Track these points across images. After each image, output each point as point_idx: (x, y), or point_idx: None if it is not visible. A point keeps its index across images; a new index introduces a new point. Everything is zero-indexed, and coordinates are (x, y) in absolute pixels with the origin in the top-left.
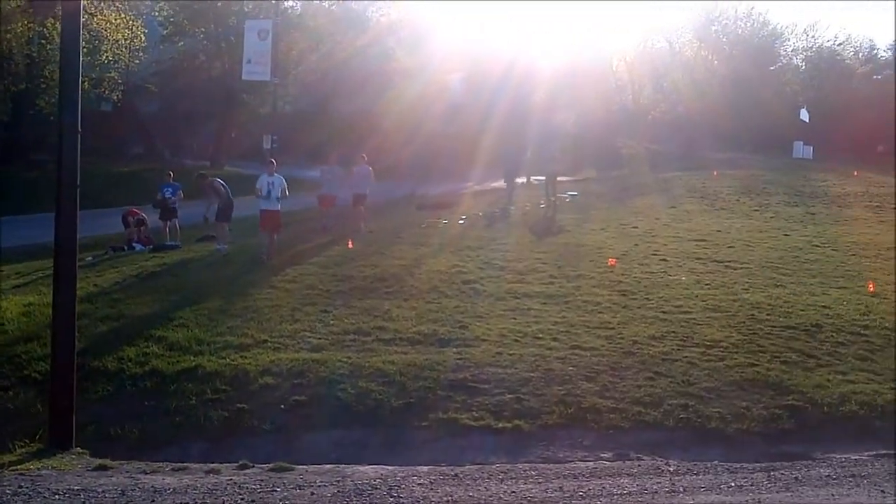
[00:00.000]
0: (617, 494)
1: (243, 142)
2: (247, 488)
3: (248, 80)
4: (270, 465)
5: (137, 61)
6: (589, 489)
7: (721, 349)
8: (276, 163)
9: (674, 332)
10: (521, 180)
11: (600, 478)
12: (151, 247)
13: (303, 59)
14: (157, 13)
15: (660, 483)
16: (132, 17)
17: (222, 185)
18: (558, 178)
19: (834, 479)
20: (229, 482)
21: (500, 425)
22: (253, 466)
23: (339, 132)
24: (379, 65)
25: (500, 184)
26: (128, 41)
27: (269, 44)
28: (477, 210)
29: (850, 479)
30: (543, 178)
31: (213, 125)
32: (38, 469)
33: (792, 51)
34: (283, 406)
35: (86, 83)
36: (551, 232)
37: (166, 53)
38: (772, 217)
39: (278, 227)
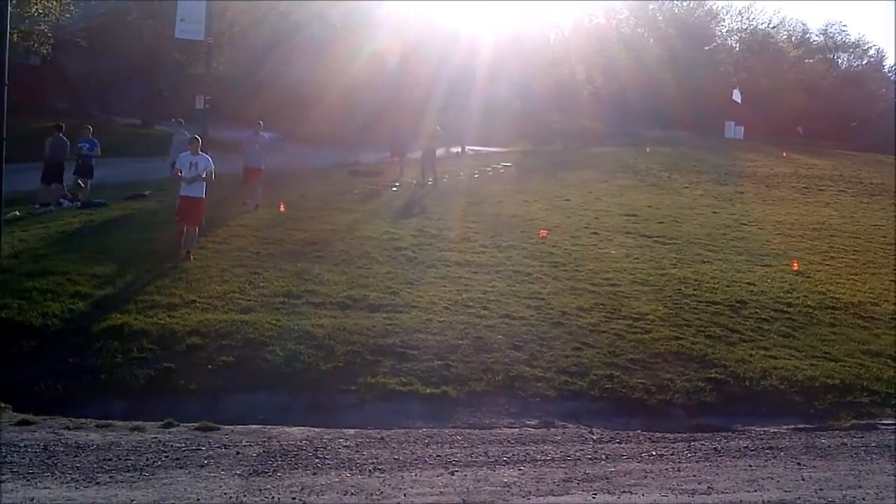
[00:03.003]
0: (541, 461)
1: (176, 102)
2: (171, 446)
3: (181, 39)
4: (196, 425)
5: (68, 15)
6: (513, 454)
7: (647, 322)
8: (208, 126)
9: (602, 304)
10: (456, 150)
11: (525, 444)
12: (79, 203)
13: (238, 21)
14: None
15: (583, 450)
16: None
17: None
18: (438, 154)
19: (752, 450)
20: (154, 440)
21: (428, 391)
22: (178, 425)
23: (272, 98)
24: (317, 32)
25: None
26: None
27: (203, 2)
28: (410, 179)
29: (768, 451)
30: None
31: (143, 83)
32: None
33: (727, 31)
34: (209, 366)
35: (14, 35)
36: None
37: (98, 9)
38: (701, 195)
39: (200, 218)
